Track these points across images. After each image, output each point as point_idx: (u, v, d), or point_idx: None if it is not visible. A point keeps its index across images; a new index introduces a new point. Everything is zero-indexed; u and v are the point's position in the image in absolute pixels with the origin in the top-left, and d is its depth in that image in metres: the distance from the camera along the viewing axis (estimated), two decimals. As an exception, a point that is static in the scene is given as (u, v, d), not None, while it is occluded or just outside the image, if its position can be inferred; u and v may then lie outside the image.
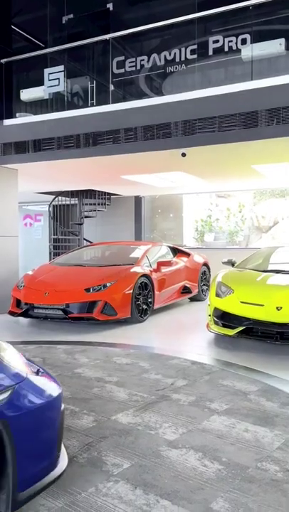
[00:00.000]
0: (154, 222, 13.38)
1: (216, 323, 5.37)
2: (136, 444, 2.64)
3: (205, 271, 8.97)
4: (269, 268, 5.91)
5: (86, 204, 11.53)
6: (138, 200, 12.49)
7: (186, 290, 8.16)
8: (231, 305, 5.20)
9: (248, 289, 5.27)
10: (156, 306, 7.01)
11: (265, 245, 11.67)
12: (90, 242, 11.06)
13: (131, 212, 12.60)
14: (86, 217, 11.53)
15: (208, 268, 9.13)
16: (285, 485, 2.23)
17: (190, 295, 8.32)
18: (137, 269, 6.77)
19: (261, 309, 4.91)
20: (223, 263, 6.74)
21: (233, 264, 6.57)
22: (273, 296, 4.98)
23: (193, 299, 8.64)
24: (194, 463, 2.45)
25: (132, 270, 6.68)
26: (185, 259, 8.47)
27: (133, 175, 8.41)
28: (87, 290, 6.18)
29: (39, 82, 7.67)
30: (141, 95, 7.26)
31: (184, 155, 6.26)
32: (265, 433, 2.83)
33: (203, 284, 8.85)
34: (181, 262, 8.21)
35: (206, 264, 9.00)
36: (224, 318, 5.26)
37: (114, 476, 2.32)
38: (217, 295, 5.45)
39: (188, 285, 8.20)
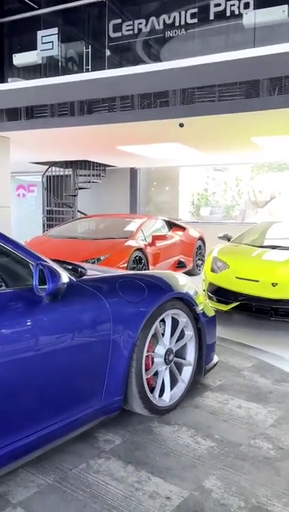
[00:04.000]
0: (149, 195, 13.21)
1: (210, 298, 5.32)
2: (128, 421, 2.61)
3: (200, 245, 8.89)
4: (265, 243, 5.82)
5: (80, 175, 11.31)
6: (133, 172, 12.27)
7: (180, 264, 8.09)
8: (226, 280, 5.14)
9: (244, 265, 5.20)
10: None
11: (262, 220, 11.58)
12: (84, 215, 10.91)
13: (126, 185, 12.40)
14: (80, 188, 11.34)
15: (204, 242, 9.04)
16: (278, 463, 2.21)
17: (184, 269, 8.24)
18: (131, 242, 6.67)
19: (256, 285, 4.86)
20: (219, 238, 6.66)
21: (229, 239, 6.49)
22: (269, 272, 4.92)
23: (187, 274, 8.55)
24: (187, 440, 2.43)
25: (126, 244, 6.58)
26: (180, 233, 8.36)
27: (129, 145, 8.21)
28: (81, 263, 6.09)
29: (32, 47, 7.36)
30: (138, 62, 6.98)
31: (181, 125, 6.07)
32: (259, 409, 2.81)
33: (198, 259, 8.79)
34: (177, 236, 8.11)
35: (201, 239, 8.91)
36: (219, 293, 5.21)
37: (105, 453, 2.29)
38: (212, 270, 5.39)
39: (182, 259, 8.12)
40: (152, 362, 2.65)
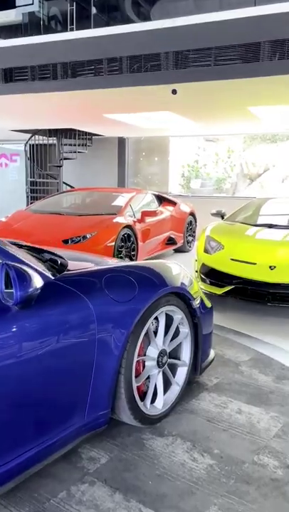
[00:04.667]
0: (138, 166, 12.68)
1: (203, 280, 5.01)
2: (116, 431, 2.31)
3: (191, 221, 8.54)
4: (261, 222, 5.48)
5: (65, 144, 10.72)
6: (121, 141, 11.70)
7: (171, 241, 7.74)
8: (221, 262, 4.81)
9: (240, 246, 4.87)
10: (139, 259, 6.60)
11: (254, 194, 11.21)
12: (71, 187, 10.41)
13: (114, 155, 11.84)
14: (65, 158, 10.77)
15: (195, 218, 8.69)
16: (286, 487, 1.94)
17: (175, 246, 7.91)
18: (119, 219, 6.28)
19: (253, 268, 4.55)
20: (212, 215, 6.30)
21: (222, 216, 6.14)
22: (266, 254, 4.60)
23: (177, 250, 8.25)
24: (182, 456, 2.14)
25: (114, 220, 6.19)
26: (171, 208, 7.98)
27: (117, 113, 7.67)
28: (66, 241, 5.70)
29: (12, 5, 6.72)
30: (127, 22, 6.39)
31: (174, 92, 5.58)
32: (261, 415, 2.53)
33: (189, 235, 8.45)
34: (167, 212, 7.72)
35: (192, 214, 8.55)
36: (212, 275, 4.89)
37: (90, 475, 1.99)
38: (206, 251, 5.05)
39: (173, 236, 7.77)
40: (143, 366, 2.33)
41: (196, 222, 8.74)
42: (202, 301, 2.75)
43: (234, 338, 3.77)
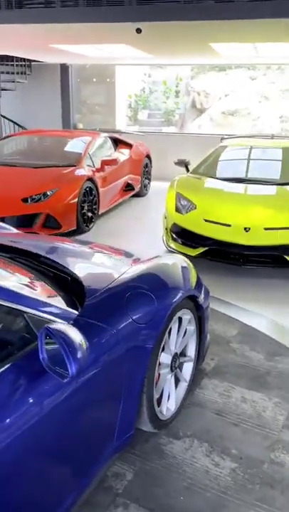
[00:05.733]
0: (82, 96, 11.76)
1: (174, 239, 4.92)
2: (133, 439, 2.30)
3: (147, 163, 8.24)
4: (233, 176, 5.35)
5: (1, 72, 9.60)
6: (64, 69, 10.66)
7: (128, 187, 7.47)
8: (194, 223, 4.72)
9: (213, 205, 4.77)
10: (100, 211, 6.34)
11: (204, 127, 10.90)
12: (18, 125, 9.52)
13: (56, 85, 10.83)
14: (3, 89, 9.71)
15: (150, 159, 8.39)
16: (308, 486, 2.07)
17: (133, 192, 7.67)
18: (81, 171, 5.89)
19: (228, 230, 4.52)
20: (176, 164, 6.08)
21: (186, 166, 5.93)
22: (241, 215, 4.56)
23: (134, 195, 8.00)
24: (204, 461, 2.20)
25: (75, 173, 5.79)
26: (127, 151, 7.59)
27: (67, 45, 6.88)
28: (25, 200, 5.28)
29: None
30: None
31: (139, 31, 5.03)
32: (264, 402, 2.64)
33: (146, 178, 8.19)
34: (124, 156, 7.35)
35: (148, 156, 8.24)
36: (184, 235, 4.81)
37: (120, 497, 1.99)
38: (177, 210, 4.90)
39: (130, 181, 7.49)
40: (159, 376, 2.29)
41: (151, 163, 8.45)
42: (198, 280, 2.67)
43: (218, 308, 3.79)
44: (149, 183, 8.38)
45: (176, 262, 2.64)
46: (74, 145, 6.66)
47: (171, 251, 4.90)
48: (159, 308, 2.09)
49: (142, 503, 1.96)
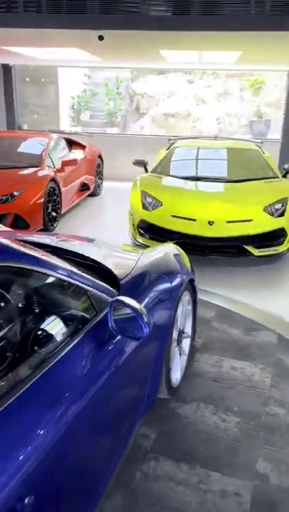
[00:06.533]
0: (26, 97, 11.70)
1: (141, 235, 5.26)
2: (148, 406, 2.61)
3: (99, 163, 8.49)
4: (190, 174, 5.79)
5: None
6: (7, 69, 10.57)
7: (84, 187, 7.68)
8: (162, 219, 5.08)
9: (179, 202, 5.16)
10: (62, 211, 6.50)
11: (146, 128, 11.31)
12: None
13: (-1, 85, 10.71)
14: None
15: (102, 160, 8.64)
16: (300, 429, 2.51)
17: (89, 192, 7.89)
18: (44, 172, 6.02)
19: (193, 224, 4.93)
20: (134, 164, 6.41)
21: (144, 165, 6.29)
22: (205, 210, 4.98)
23: (89, 195, 8.22)
24: (213, 418, 2.56)
25: (40, 174, 5.92)
26: (81, 152, 7.79)
27: (18, 47, 6.94)
28: (-7, 201, 5.35)
29: None
30: None
31: (101, 38, 5.29)
32: (251, 369, 3.06)
33: (99, 178, 8.44)
34: (79, 156, 7.55)
35: (100, 156, 8.49)
36: (152, 230, 5.16)
37: (150, 452, 2.29)
38: (144, 207, 5.24)
39: (86, 181, 7.70)
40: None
41: (103, 164, 8.71)
42: (191, 265, 3.03)
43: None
44: (101, 182, 8.64)
45: (173, 251, 2.97)
46: (32, 146, 6.75)
47: (138, 245, 5.22)
48: (173, 289, 2.42)
49: (169, 456, 2.28)
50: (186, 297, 2.79)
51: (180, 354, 2.84)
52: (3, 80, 10.67)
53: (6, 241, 1.57)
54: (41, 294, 1.78)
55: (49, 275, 1.68)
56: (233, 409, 2.65)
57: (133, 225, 5.39)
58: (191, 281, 2.83)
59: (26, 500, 1.14)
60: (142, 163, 6.33)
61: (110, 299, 1.76)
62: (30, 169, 6.01)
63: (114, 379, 1.79)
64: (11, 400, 1.28)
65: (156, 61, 8.14)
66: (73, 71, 12.49)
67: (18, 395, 1.31)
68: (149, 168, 6.22)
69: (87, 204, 7.88)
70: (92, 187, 7.99)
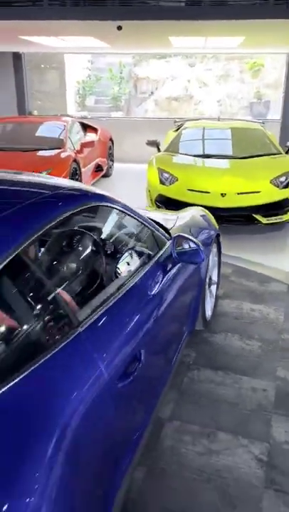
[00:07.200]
0: (34, 84, 12.11)
1: (158, 207, 5.83)
2: (186, 336, 3.22)
3: (110, 146, 8.99)
4: (201, 153, 6.34)
5: None
6: (17, 57, 10.98)
7: (98, 168, 8.21)
8: (179, 192, 5.66)
9: (193, 177, 5.73)
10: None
11: (150, 111, 11.78)
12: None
13: (9, 73, 11.12)
14: None
15: (113, 142, 9.15)
16: (309, 349, 3.13)
17: (103, 173, 8.42)
18: (67, 153, 6.55)
19: (208, 196, 5.51)
20: (148, 144, 6.96)
21: (158, 145, 6.84)
22: (217, 184, 5.56)
23: (103, 176, 8.74)
24: (239, 343, 3.18)
25: (62, 156, 6.45)
26: (94, 135, 8.31)
27: (37, 36, 7.39)
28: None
29: None
30: None
31: (119, 28, 5.78)
32: (267, 309, 3.67)
33: (110, 160, 8.96)
34: (94, 139, 8.06)
35: (111, 139, 8.99)
36: (169, 203, 5.73)
37: (193, 365, 2.91)
38: (162, 182, 5.81)
39: (100, 163, 8.23)
40: (202, 288, 3.22)
41: (113, 146, 9.22)
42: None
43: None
44: (112, 164, 9.16)
45: (200, 212, 3.56)
46: (50, 129, 7.26)
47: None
48: (208, 238, 3.02)
49: (209, 367, 2.90)
50: (214, 249, 3.39)
51: (210, 296, 3.45)
52: (14, 68, 11.10)
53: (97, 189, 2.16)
54: (120, 234, 2.37)
55: (130, 216, 2.25)
56: (255, 337, 3.27)
57: (151, 200, 5.96)
58: (218, 236, 3.42)
59: (142, 352, 1.75)
60: (155, 144, 6.88)
61: (169, 238, 2.35)
62: (53, 151, 6.54)
63: (173, 300, 2.39)
64: (113, 301, 1.82)
65: (163, 47, 8.60)
66: (78, 57, 12.89)
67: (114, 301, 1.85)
68: (162, 148, 6.78)
69: (101, 184, 8.42)
70: (105, 168, 8.52)
